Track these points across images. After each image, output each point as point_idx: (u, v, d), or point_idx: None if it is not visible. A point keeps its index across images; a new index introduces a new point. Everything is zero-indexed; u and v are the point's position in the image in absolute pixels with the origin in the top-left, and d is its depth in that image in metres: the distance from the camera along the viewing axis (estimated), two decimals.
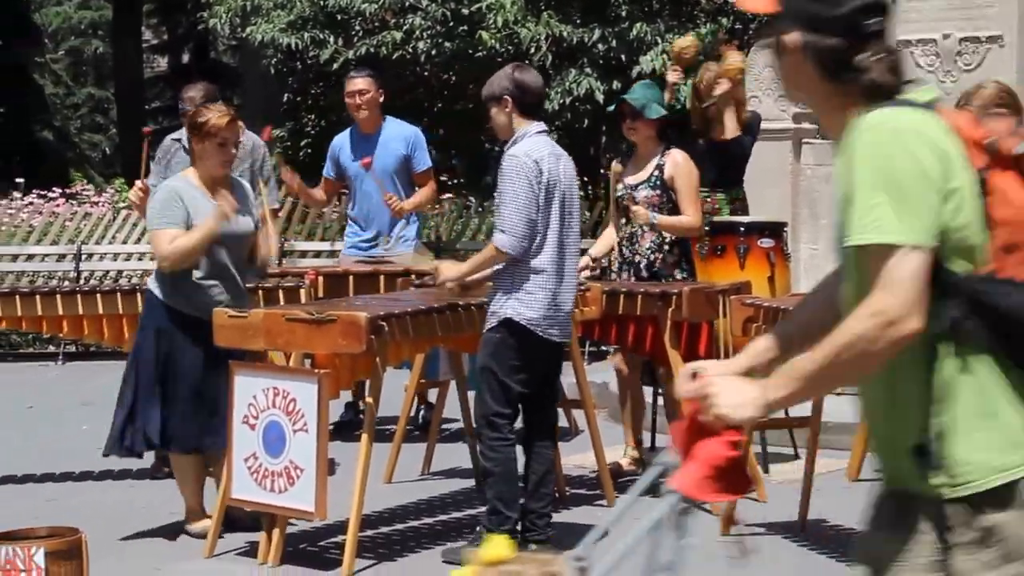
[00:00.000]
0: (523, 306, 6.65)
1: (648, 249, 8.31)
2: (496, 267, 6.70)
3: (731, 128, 9.61)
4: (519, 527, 6.75)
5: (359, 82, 9.71)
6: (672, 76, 9.73)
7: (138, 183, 8.61)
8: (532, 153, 6.68)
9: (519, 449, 6.84)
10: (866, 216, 2.97)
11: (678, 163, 8.28)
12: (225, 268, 7.17)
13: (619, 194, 8.41)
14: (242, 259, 7.31)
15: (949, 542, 3.04)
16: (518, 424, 6.84)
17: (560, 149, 6.94)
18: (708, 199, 9.62)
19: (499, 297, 6.70)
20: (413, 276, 8.25)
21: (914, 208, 2.95)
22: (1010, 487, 3.04)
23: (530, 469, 6.88)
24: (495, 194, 6.82)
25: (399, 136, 9.67)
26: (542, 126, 6.88)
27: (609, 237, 8.54)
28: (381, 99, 9.73)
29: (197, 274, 7.11)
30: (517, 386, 6.73)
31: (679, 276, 8.28)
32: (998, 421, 3.05)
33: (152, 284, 7.28)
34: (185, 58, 32.02)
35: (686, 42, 9.93)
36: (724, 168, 9.65)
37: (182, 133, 8.80)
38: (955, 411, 3.03)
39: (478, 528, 6.81)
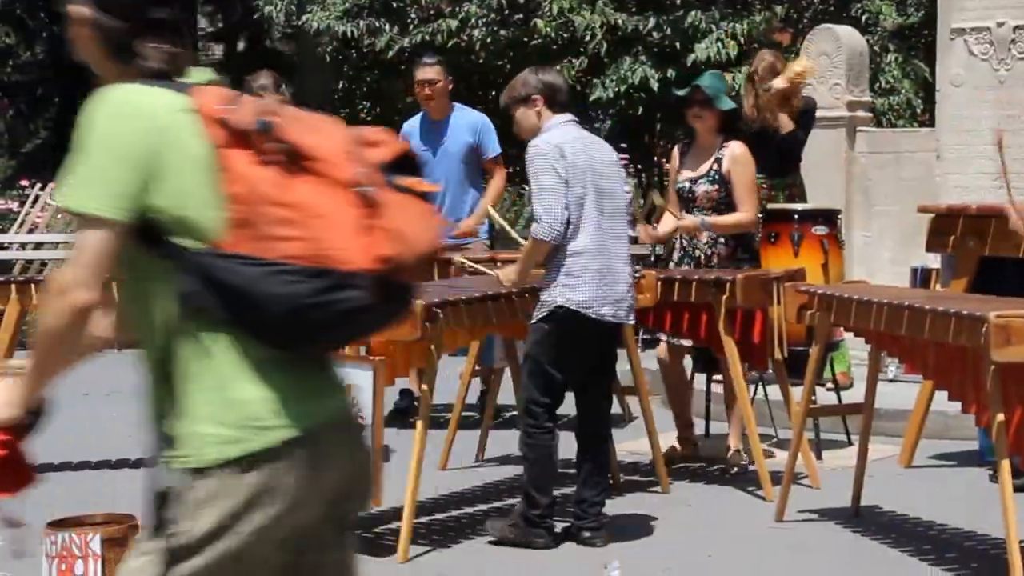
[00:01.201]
0: (570, 291, 6.67)
1: (706, 244, 8.29)
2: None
3: (785, 123, 9.59)
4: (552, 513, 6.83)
5: (429, 72, 9.76)
6: (777, 82, 9.64)
7: None
8: (553, 139, 6.70)
9: (571, 435, 6.88)
10: (68, 182, 3.05)
11: (736, 155, 8.24)
12: None
13: (678, 187, 8.39)
14: None
15: (168, 515, 3.09)
16: (570, 411, 6.87)
17: (594, 138, 6.97)
18: (763, 186, 9.63)
19: (548, 285, 6.73)
20: (466, 264, 8.26)
21: (103, 180, 3.01)
22: (240, 461, 3.04)
23: (583, 457, 6.91)
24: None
25: (467, 123, 9.73)
26: (569, 116, 6.88)
27: (671, 220, 8.46)
28: (450, 87, 9.81)
29: None
30: (562, 375, 6.74)
31: (735, 266, 8.24)
32: (231, 396, 3.06)
33: None
34: (240, 46, 32.10)
35: (801, 66, 9.86)
36: (779, 158, 9.64)
37: None
38: (192, 387, 3.07)
39: (515, 507, 6.87)
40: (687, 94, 8.34)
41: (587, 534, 6.83)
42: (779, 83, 9.56)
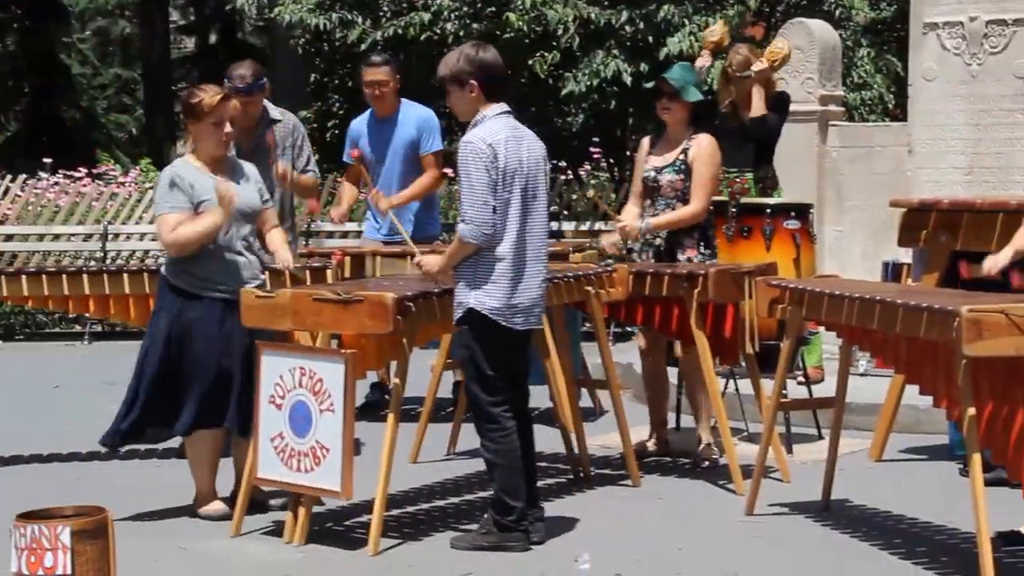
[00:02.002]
0: (485, 296, 6.52)
1: (667, 235, 8.31)
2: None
3: (758, 106, 9.61)
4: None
5: (378, 74, 9.70)
6: (701, 61, 9.70)
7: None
8: (487, 137, 6.51)
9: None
10: None
11: (701, 146, 8.26)
12: (234, 243, 7.19)
13: (644, 175, 8.40)
14: (252, 234, 7.31)
15: None
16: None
17: (525, 131, 6.73)
18: (738, 179, 9.64)
19: (462, 287, 6.59)
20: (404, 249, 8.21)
21: None
22: None
23: None
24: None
25: (412, 118, 9.70)
26: (503, 107, 6.66)
27: (632, 213, 8.47)
28: (399, 86, 9.75)
29: (206, 252, 7.14)
30: (497, 372, 6.63)
31: (698, 258, 8.26)
32: None
33: (164, 267, 7.33)
34: (212, 39, 32.03)
35: (717, 34, 9.89)
36: (752, 148, 9.66)
37: None
38: None
39: (485, 516, 6.82)
40: (654, 87, 8.37)
41: (525, 523, 6.76)
42: (759, 66, 9.59)
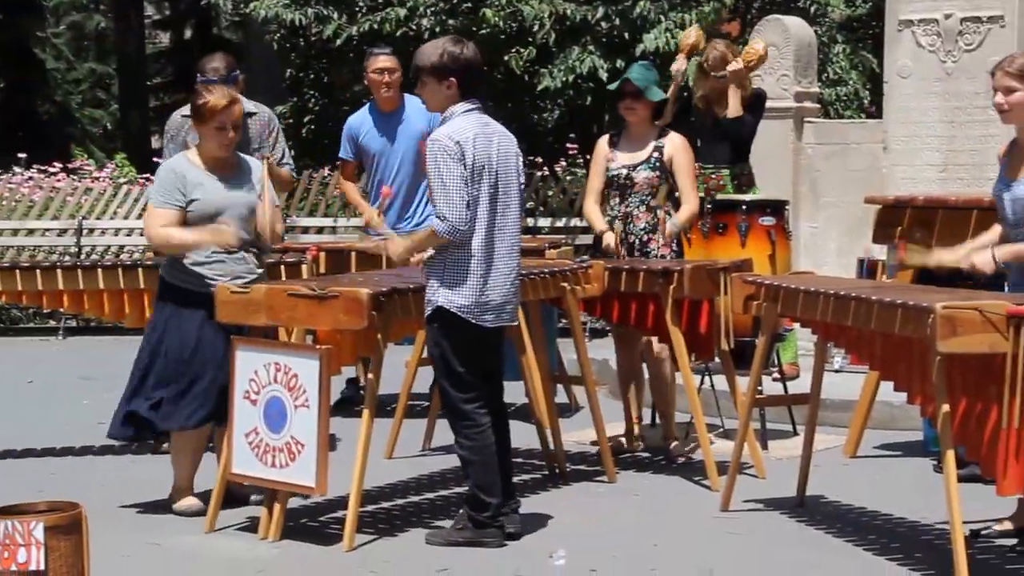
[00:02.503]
0: (455, 294, 6.50)
1: (642, 230, 8.34)
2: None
3: (734, 107, 9.63)
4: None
5: (386, 60, 9.62)
6: (676, 64, 9.66)
7: None
8: (455, 135, 6.47)
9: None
10: None
11: (677, 145, 8.32)
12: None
13: (612, 174, 8.40)
14: (249, 232, 7.29)
15: None
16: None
17: (496, 127, 6.70)
18: (713, 175, 9.65)
19: (432, 284, 6.57)
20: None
21: None
22: None
23: None
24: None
25: (421, 112, 9.60)
26: (473, 103, 6.63)
27: (599, 212, 8.48)
28: (402, 79, 9.65)
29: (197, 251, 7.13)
30: (468, 368, 6.61)
31: (670, 256, 8.29)
32: None
33: (163, 265, 7.35)
34: (187, 34, 31.94)
35: (692, 36, 9.90)
36: (728, 145, 9.68)
37: None
38: None
39: (460, 511, 6.81)
40: (618, 87, 8.41)
41: (501, 519, 6.76)
42: (734, 66, 9.59)
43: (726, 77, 9.61)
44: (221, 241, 7.07)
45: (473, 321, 6.55)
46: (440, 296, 6.54)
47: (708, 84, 9.76)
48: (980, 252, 6.50)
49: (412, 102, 9.63)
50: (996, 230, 6.64)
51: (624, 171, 8.34)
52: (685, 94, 9.74)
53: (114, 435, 7.45)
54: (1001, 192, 6.52)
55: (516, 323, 7.01)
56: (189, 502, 7.24)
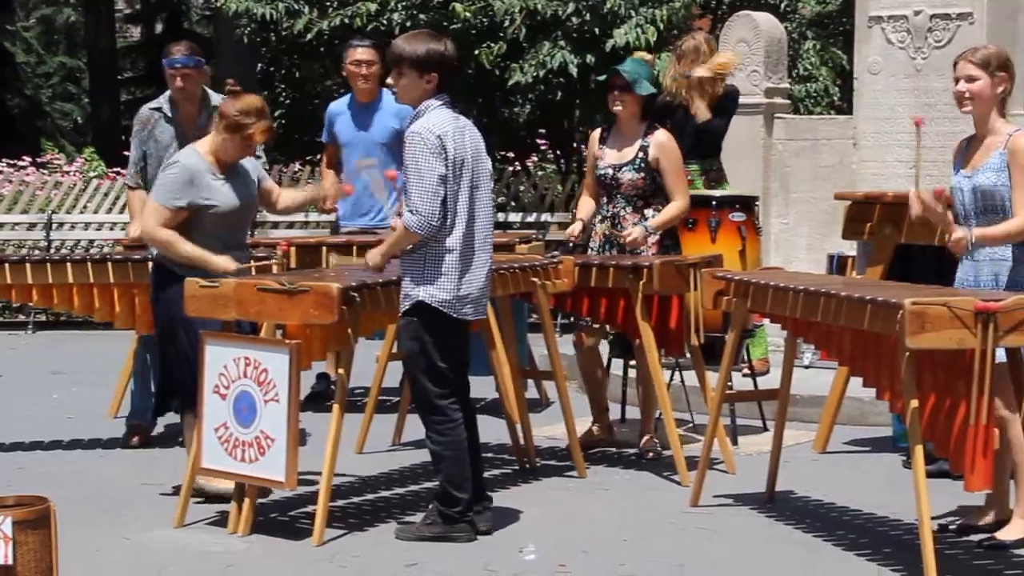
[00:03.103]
0: (435, 288, 6.50)
1: (631, 250, 8.30)
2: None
3: (702, 112, 9.64)
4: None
5: (365, 52, 9.65)
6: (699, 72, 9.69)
7: None
8: (435, 129, 6.47)
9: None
10: None
11: (663, 144, 8.23)
12: (223, 237, 7.21)
13: (600, 173, 8.36)
14: (246, 228, 7.45)
15: None
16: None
17: (466, 121, 6.70)
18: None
19: (410, 279, 6.57)
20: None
21: None
22: None
23: None
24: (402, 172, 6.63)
25: (395, 108, 9.59)
26: (444, 98, 6.62)
27: (589, 205, 8.46)
28: (382, 71, 9.65)
29: (194, 243, 7.15)
30: (446, 363, 6.62)
31: (662, 251, 8.27)
32: None
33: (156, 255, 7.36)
34: (158, 28, 31.85)
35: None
36: (698, 142, 9.70)
37: (161, 101, 8.78)
38: None
39: (430, 506, 6.81)
40: (607, 79, 8.34)
41: (471, 515, 6.76)
42: (700, 72, 9.60)
43: (690, 77, 9.61)
44: (220, 269, 7.07)
45: (454, 315, 6.55)
46: (420, 291, 6.54)
47: (680, 75, 9.76)
48: (960, 229, 6.49)
49: (390, 97, 9.59)
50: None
51: (610, 171, 8.28)
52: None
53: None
54: (960, 184, 6.57)
55: (485, 316, 7.01)
56: (224, 483, 7.15)
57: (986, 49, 6.59)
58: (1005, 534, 6.46)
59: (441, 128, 6.49)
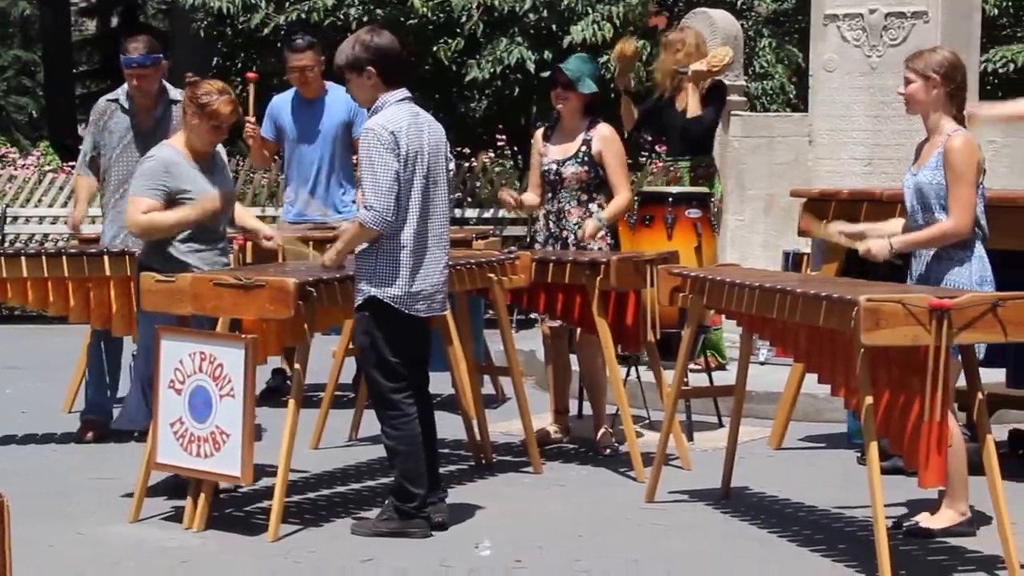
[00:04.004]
0: (386, 284, 6.51)
1: (575, 225, 8.34)
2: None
3: (694, 106, 9.67)
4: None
5: (303, 59, 9.59)
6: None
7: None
8: (389, 124, 6.48)
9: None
10: None
11: (606, 137, 8.30)
12: (204, 231, 7.22)
13: (544, 168, 8.41)
14: (225, 221, 7.41)
15: None
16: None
17: (427, 117, 6.72)
18: (671, 168, 9.71)
19: (363, 275, 6.57)
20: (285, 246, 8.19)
21: None
22: None
23: None
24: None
25: (343, 101, 9.56)
26: (404, 93, 6.64)
27: (532, 200, 8.52)
28: (323, 68, 9.64)
29: (177, 239, 7.17)
30: (398, 358, 6.62)
31: (608, 248, 8.32)
32: None
33: (139, 251, 7.41)
34: (114, 21, 31.70)
35: (630, 48, 9.95)
36: (686, 139, 9.75)
37: (118, 93, 8.76)
38: None
39: (386, 502, 6.79)
40: (550, 76, 8.43)
41: (428, 508, 6.76)
42: (697, 66, 9.63)
43: (687, 75, 9.64)
44: (205, 210, 7.09)
45: (406, 311, 6.55)
46: (372, 286, 6.53)
47: (671, 69, 9.78)
48: (877, 239, 6.60)
49: (336, 91, 9.59)
50: (899, 221, 6.76)
51: (554, 166, 8.34)
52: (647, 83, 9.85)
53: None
54: (907, 182, 6.65)
55: (446, 312, 7.01)
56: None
57: (930, 52, 6.67)
58: (932, 522, 6.52)
59: (395, 124, 6.50)
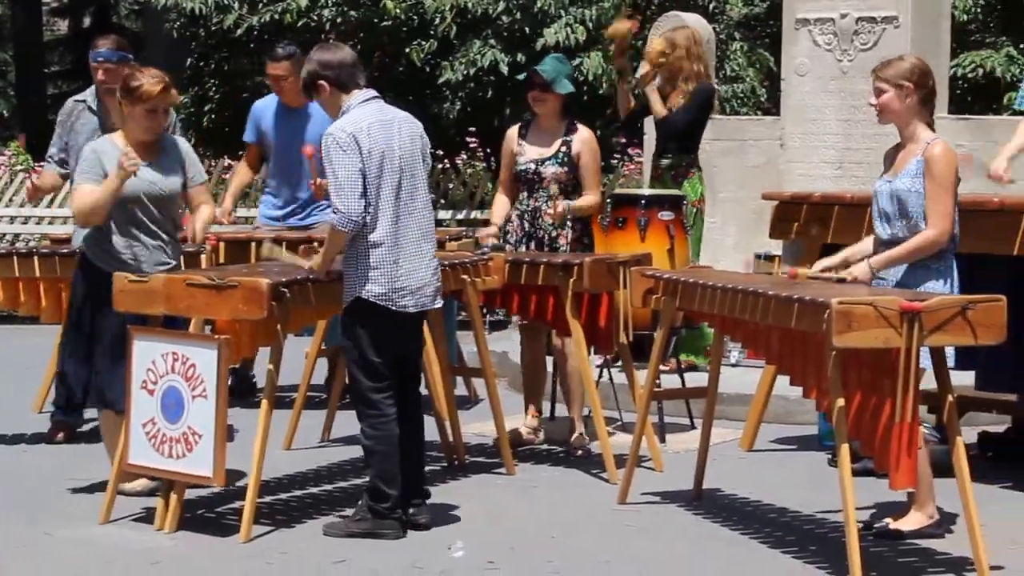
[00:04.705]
0: (370, 283, 6.53)
1: (551, 225, 8.35)
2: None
3: (657, 108, 9.67)
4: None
5: (278, 68, 9.55)
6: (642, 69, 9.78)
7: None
8: (347, 127, 6.53)
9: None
10: None
11: (585, 139, 8.33)
12: (144, 225, 7.16)
13: (521, 168, 8.41)
14: (173, 218, 7.33)
15: None
16: None
17: (398, 113, 6.76)
18: (660, 167, 9.74)
19: (348, 276, 6.61)
20: (316, 244, 8.21)
21: None
22: None
23: (400, 440, 6.78)
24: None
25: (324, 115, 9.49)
26: (368, 93, 6.70)
27: (504, 204, 8.54)
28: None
29: (116, 232, 7.12)
30: (382, 359, 6.64)
31: (580, 249, 8.33)
32: None
33: (81, 242, 7.37)
34: (86, 22, 31.61)
35: (623, 27, 9.97)
36: (662, 137, 9.77)
37: (87, 94, 8.75)
38: None
39: (360, 502, 6.79)
40: (526, 78, 8.44)
41: (411, 511, 6.77)
42: (642, 70, 9.65)
43: (639, 83, 9.68)
44: (126, 173, 6.97)
45: (392, 308, 6.57)
46: (356, 286, 6.56)
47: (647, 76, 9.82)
48: (858, 264, 6.62)
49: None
50: (868, 241, 6.78)
51: (532, 166, 8.35)
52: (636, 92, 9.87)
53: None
54: (881, 188, 6.65)
55: (440, 305, 7.01)
56: (142, 482, 7.16)
57: (898, 61, 6.68)
58: (903, 524, 6.55)
59: (355, 125, 6.54)
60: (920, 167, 6.50)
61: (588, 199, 8.33)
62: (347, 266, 6.61)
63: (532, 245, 8.37)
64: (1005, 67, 16.79)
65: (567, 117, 8.39)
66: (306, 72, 6.74)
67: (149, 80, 7.10)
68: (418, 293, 6.67)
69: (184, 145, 7.46)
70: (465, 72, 14.02)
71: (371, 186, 6.51)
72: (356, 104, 6.65)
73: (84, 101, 8.71)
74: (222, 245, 8.95)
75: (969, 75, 16.74)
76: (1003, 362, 7.57)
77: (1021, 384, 7.87)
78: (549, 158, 8.31)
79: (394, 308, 6.58)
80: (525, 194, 8.41)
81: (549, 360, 8.76)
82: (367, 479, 6.77)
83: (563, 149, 8.30)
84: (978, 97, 16.87)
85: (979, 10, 17.75)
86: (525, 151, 8.42)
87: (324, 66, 6.68)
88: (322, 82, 6.68)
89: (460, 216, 14.45)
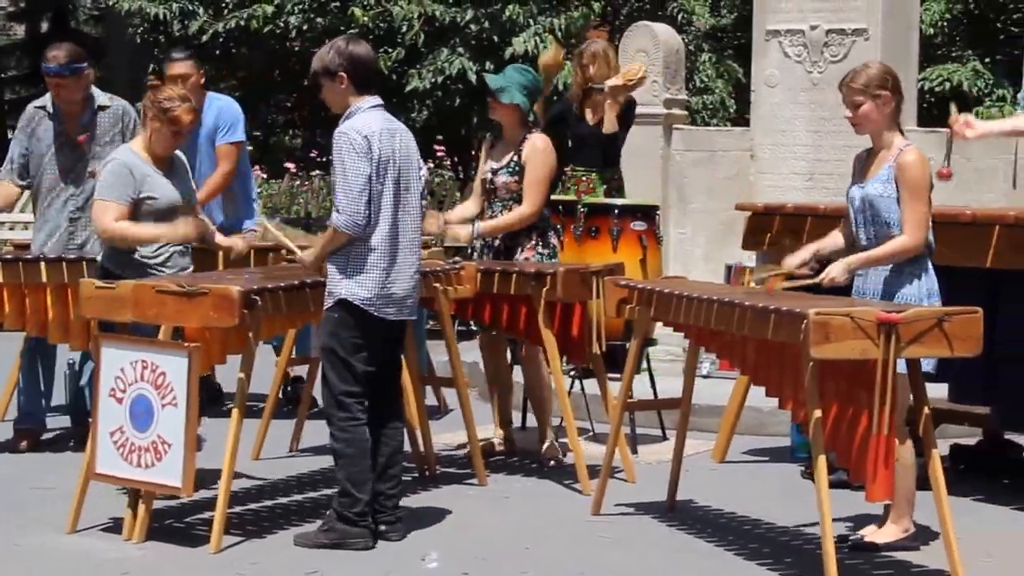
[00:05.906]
0: (357, 286, 6.52)
1: (507, 234, 8.30)
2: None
3: (610, 122, 9.63)
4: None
5: (180, 67, 9.42)
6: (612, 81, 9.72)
7: None
8: (362, 129, 6.54)
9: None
10: None
11: (535, 147, 8.23)
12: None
13: (483, 176, 8.39)
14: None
15: None
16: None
17: (397, 124, 6.78)
18: (584, 179, 9.65)
19: (334, 276, 6.58)
20: (284, 251, 8.14)
21: None
22: None
23: (377, 451, 6.74)
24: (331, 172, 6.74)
25: (213, 109, 9.42)
26: (376, 100, 6.72)
27: (465, 207, 8.50)
28: (203, 81, 9.47)
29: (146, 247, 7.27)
30: (360, 364, 6.61)
31: (535, 258, 8.23)
32: None
33: (102, 256, 7.41)
34: (44, 26, 31.42)
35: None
36: (601, 152, 9.70)
37: (46, 100, 8.65)
38: None
39: (328, 512, 6.73)
40: (484, 87, 8.43)
41: (383, 527, 6.71)
42: (613, 81, 9.59)
43: (604, 91, 9.59)
44: (183, 237, 7.24)
45: (376, 314, 6.55)
46: (342, 288, 6.54)
47: (583, 82, 9.72)
48: (836, 264, 6.58)
49: (210, 100, 9.43)
50: (836, 236, 6.76)
51: (489, 175, 8.33)
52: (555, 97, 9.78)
53: None
54: (854, 194, 6.65)
55: (416, 318, 6.98)
56: None
57: (866, 70, 6.65)
58: (878, 536, 6.53)
59: (368, 129, 6.54)
60: (891, 172, 6.50)
61: (511, 216, 8.20)
62: (335, 266, 6.58)
63: (490, 256, 8.29)
64: (972, 81, 16.87)
65: (527, 126, 8.32)
66: (330, 58, 6.65)
67: (183, 108, 7.22)
68: (400, 303, 6.65)
69: (182, 156, 7.55)
70: (433, 80, 13.97)
71: (375, 192, 6.51)
72: (366, 108, 6.65)
73: (44, 107, 8.62)
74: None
75: (936, 88, 16.81)
76: (974, 375, 7.56)
77: (993, 396, 7.86)
78: (502, 168, 8.27)
79: (376, 314, 6.55)
80: (487, 204, 8.38)
81: (516, 369, 8.71)
82: (336, 488, 6.71)
83: (515, 158, 8.24)
84: (945, 111, 16.91)
85: (946, 24, 17.83)
86: (489, 161, 8.39)
87: (353, 60, 6.64)
88: (343, 74, 6.63)
89: None
